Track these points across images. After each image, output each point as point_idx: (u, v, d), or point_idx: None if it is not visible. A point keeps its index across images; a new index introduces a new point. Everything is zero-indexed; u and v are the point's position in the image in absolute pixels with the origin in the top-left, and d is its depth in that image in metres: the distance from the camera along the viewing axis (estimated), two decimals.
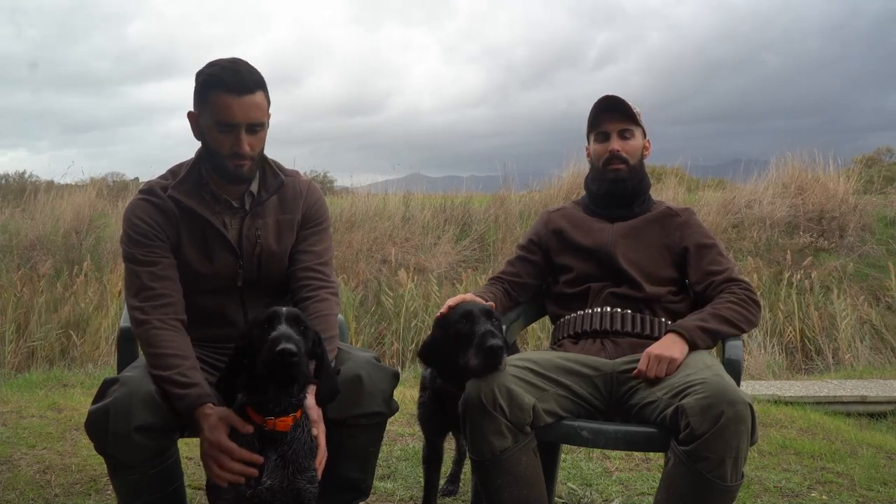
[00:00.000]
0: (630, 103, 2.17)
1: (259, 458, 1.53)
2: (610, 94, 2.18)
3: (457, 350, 1.88)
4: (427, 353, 2.00)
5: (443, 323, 1.95)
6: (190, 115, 1.83)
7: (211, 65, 1.78)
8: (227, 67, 1.75)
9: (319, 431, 1.63)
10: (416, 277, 6.66)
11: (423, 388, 2.17)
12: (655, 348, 1.90)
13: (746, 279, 2.14)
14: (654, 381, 1.85)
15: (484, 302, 2.02)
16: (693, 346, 1.92)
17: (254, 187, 1.89)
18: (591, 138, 2.25)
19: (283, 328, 1.48)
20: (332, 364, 1.77)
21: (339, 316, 1.95)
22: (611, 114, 2.19)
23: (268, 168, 1.92)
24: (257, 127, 1.78)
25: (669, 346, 1.90)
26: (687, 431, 1.65)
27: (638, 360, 1.93)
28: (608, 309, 2.08)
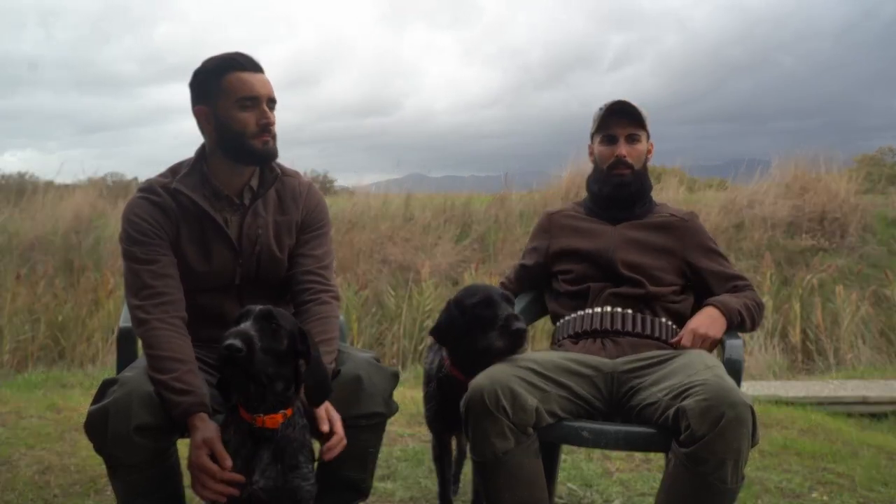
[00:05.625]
0: (639, 108, 2.16)
1: (241, 478, 1.53)
2: (622, 98, 2.18)
3: (474, 332, 1.92)
4: (442, 333, 2.02)
5: (460, 305, 1.97)
6: (198, 111, 1.83)
7: (212, 58, 1.82)
8: (235, 53, 1.82)
9: (335, 421, 1.65)
10: (426, 278, 6.65)
11: (428, 381, 2.17)
12: (701, 326, 1.97)
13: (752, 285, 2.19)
14: (658, 363, 1.90)
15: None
16: (729, 327, 2.00)
17: (254, 182, 1.90)
18: (597, 139, 2.24)
19: (243, 325, 1.47)
20: (333, 365, 1.77)
21: (340, 317, 1.94)
22: (620, 118, 2.18)
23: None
24: (273, 103, 1.84)
25: (714, 326, 1.97)
26: (687, 433, 1.64)
27: (638, 360, 1.93)
28: (608, 308, 2.08)
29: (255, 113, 1.80)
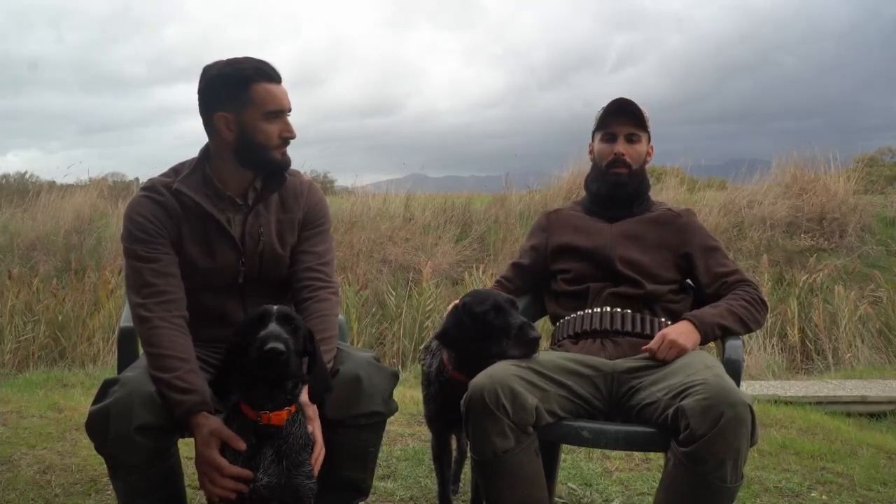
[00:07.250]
0: (641, 108, 2.16)
1: (249, 474, 1.54)
2: (623, 96, 2.18)
3: (486, 339, 1.95)
4: (450, 338, 2.03)
5: (469, 311, 1.99)
6: (220, 117, 1.80)
7: (233, 65, 1.79)
8: (258, 61, 1.80)
9: (315, 428, 1.65)
10: (428, 278, 6.65)
11: (428, 384, 2.18)
12: (672, 333, 1.93)
13: (753, 280, 2.16)
14: (658, 364, 1.90)
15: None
16: (704, 341, 1.98)
17: (258, 183, 1.90)
18: (597, 137, 2.25)
19: (273, 327, 1.49)
20: (332, 364, 1.78)
21: (340, 316, 1.95)
22: (621, 116, 2.18)
23: None
24: (290, 112, 1.86)
25: (685, 335, 1.94)
26: (687, 433, 1.65)
27: (638, 360, 1.94)
28: (608, 309, 2.08)
29: (279, 125, 1.81)
